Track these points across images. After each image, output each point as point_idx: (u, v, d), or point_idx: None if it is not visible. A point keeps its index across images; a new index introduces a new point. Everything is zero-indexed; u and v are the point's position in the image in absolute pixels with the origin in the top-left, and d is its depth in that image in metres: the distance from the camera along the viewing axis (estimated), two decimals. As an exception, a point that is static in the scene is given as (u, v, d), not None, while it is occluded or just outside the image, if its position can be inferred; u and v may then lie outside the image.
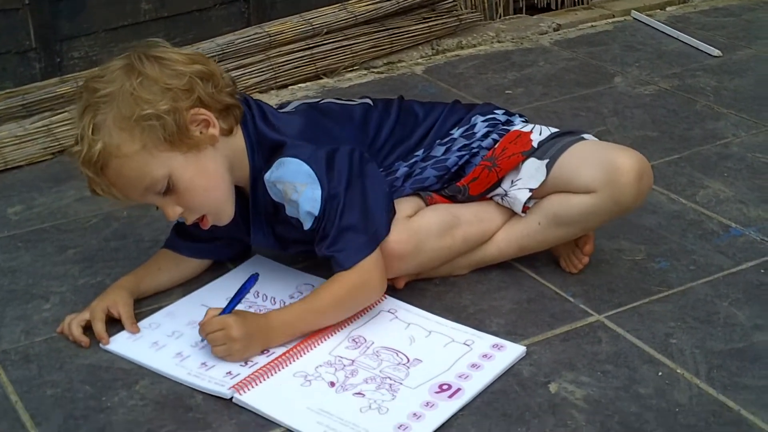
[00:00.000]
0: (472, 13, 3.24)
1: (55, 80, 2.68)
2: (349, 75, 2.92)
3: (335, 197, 1.65)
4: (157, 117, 1.59)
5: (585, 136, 1.83)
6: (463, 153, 1.82)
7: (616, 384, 1.58)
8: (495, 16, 3.45)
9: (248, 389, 1.56)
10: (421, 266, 1.79)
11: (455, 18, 3.14)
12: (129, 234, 2.08)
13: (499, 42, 3.17)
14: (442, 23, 3.12)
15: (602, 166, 1.72)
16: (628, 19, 3.34)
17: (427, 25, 3.08)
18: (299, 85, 2.86)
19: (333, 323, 1.70)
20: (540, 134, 1.82)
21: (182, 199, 1.65)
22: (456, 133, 1.84)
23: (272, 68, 2.82)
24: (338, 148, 1.69)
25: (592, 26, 3.30)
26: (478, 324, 1.73)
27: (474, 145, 1.83)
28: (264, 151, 1.71)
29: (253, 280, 1.74)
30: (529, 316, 1.76)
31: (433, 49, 3.09)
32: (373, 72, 2.94)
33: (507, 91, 2.77)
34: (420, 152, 1.83)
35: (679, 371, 1.60)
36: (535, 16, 3.41)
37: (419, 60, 3.03)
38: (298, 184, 1.65)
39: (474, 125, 1.85)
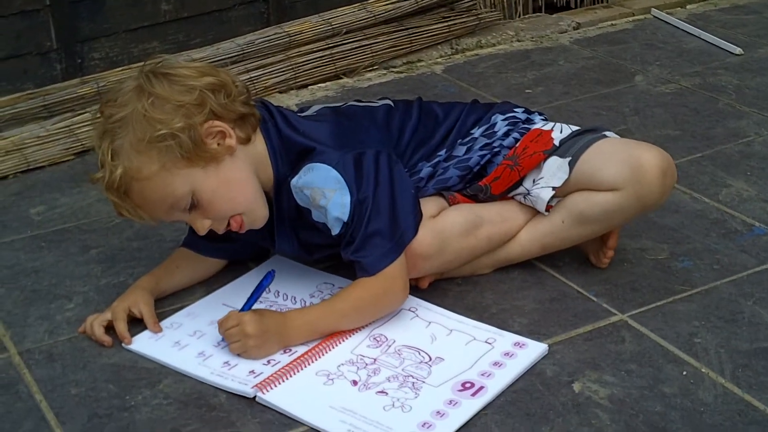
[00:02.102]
0: (492, 12, 3.24)
1: (76, 81, 2.70)
2: (368, 75, 2.92)
3: (363, 202, 1.65)
4: (172, 136, 1.59)
5: (607, 133, 1.83)
6: (484, 152, 1.81)
7: (641, 383, 1.57)
8: (514, 15, 3.44)
9: (271, 388, 1.56)
10: (445, 266, 1.79)
11: (474, 17, 3.14)
12: (151, 234, 2.09)
13: (518, 41, 3.16)
14: (462, 22, 3.11)
15: (626, 164, 1.72)
16: (648, 17, 3.33)
17: (446, 24, 3.08)
18: (319, 85, 2.86)
19: (353, 327, 1.70)
20: (561, 132, 1.82)
21: (208, 212, 1.66)
22: (476, 132, 1.84)
23: (292, 68, 2.82)
24: (365, 151, 1.69)
25: (612, 25, 3.28)
26: (501, 323, 1.73)
27: (495, 144, 1.82)
28: (290, 156, 1.71)
29: (269, 277, 1.72)
30: (551, 316, 1.75)
31: (452, 48, 3.08)
32: (392, 72, 2.94)
33: (527, 91, 2.77)
34: (442, 152, 1.82)
35: (703, 371, 1.60)
36: (554, 15, 3.40)
37: (439, 59, 3.03)
38: (327, 190, 1.65)
39: (494, 124, 1.84)
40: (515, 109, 1.89)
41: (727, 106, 2.59)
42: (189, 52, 2.78)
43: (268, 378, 1.58)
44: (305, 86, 2.84)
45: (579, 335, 1.69)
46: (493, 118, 1.86)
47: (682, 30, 3.17)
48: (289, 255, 1.87)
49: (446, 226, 1.75)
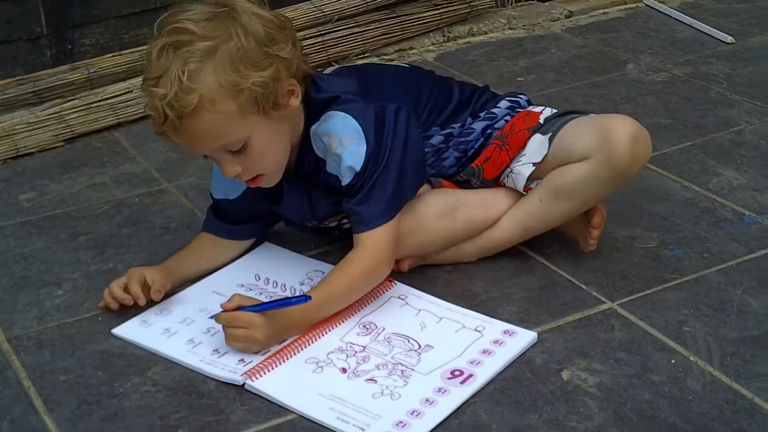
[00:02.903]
0: (484, 0, 3.23)
1: (66, 67, 2.68)
2: (360, 62, 2.91)
3: (378, 155, 1.65)
4: (263, 84, 1.57)
5: (591, 114, 1.83)
6: (483, 137, 1.83)
7: (629, 371, 1.57)
8: (506, 2, 3.42)
9: (260, 376, 1.56)
10: (421, 247, 1.79)
11: (467, 5, 3.13)
12: (140, 221, 2.08)
13: (510, 29, 3.15)
14: (454, 10, 3.10)
15: (596, 132, 1.72)
16: (641, 5, 3.32)
17: (438, 12, 3.07)
18: (310, 72, 2.85)
19: (348, 305, 1.70)
20: (550, 113, 1.83)
21: (249, 161, 1.64)
22: (482, 114, 1.85)
23: (283, 55, 2.81)
24: (387, 105, 1.68)
25: (604, 13, 3.28)
26: (491, 311, 1.73)
27: (496, 125, 1.84)
28: (315, 109, 1.70)
29: (303, 299, 1.63)
30: (541, 304, 1.75)
31: (444, 36, 3.07)
32: (384, 59, 2.93)
33: (519, 78, 2.76)
34: (456, 125, 1.83)
35: (692, 359, 1.60)
36: (546, 3, 3.39)
37: (430, 47, 3.02)
38: (344, 138, 1.65)
39: (498, 108, 1.86)
40: (520, 96, 1.91)
41: (719, 95, 2.59)
42: (180, 39, 2.77)
43: (257, 366, 1.58)
44: (296, 73, 2.83)
45: (568, 323, 1.70)
46: (500, 103, 1.87)
47: (674, 18, 3.17)
48: (293, 213, 1.84)
49: (421, 206, 1.75)
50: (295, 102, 1.64)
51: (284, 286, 1.81)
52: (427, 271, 1.83)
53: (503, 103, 1.87)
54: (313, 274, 1.83)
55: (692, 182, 2.15)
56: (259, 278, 1.82)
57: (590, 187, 1.74)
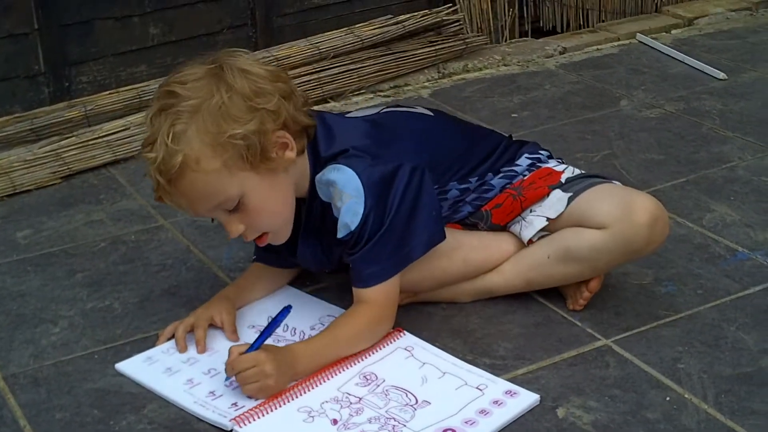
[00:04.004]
0: (478, 36, 3.26)
1: (63, 105, 2.70)
2: (355, 99, 2.93)
3: (379, 217, 1.64)
4: (244, 137, 1.57)
5: (615, 182, 1.84)
6: (499, 192, 1.83)
7: (624, 409, 1.58)
8: (501, 39, 3.47)
9: (248, 422, 1.55)
10: (415, 284, 1.79)
11: (461, 41, 3.16)
12: (137, 258, 2.09)
13: (505, 65, 3.18)
14: (449, 47, 3.13)
15: (619, 204, 1.72)
16: (634, 42, 3.36)
17: (433, 48, 3.10)
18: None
19: (353, 352, 1.69)
20: (572, 174, 1.83)
21: (249, 218, 1.64)
22: (503, 170, 1.84)
23: (279, 92, 2.83)
24: (402, 165, 1.67)
25: (598, 49, 3.31)
26: (486, 348, 1.73)
27: (514, 181, 1.83)
28: (323, 160, 1.69)
29: (286, 312, 1.68)
30: (536, 341, 1.76)
31: (439, 72, 3.10)
32: (379, 95, 2.95)
33: (513, 115, 2.78)
34: (473, 179, 1.81)
35: (686, 396, 1.60)
36: (540, 40, 3.43)
37: (426, 83, 3.04)
38: (344, 194, 1.65)
39: (519, 166, 1.85)
40: (541, 152, 1.89)
41: (711, 131, 2.61)
42: (177, 76, 2.79)
43: (246, 412, 1.56)
44: (293, 110, 2.85)
45: (563, 360, 1.70)
46: (520, 160, 1.85)
47: (667, 55, 3.19)
48: (309, 261, 1.82)
49: None
50: (290, 155, 1.63)
51: (294, 330, 1.79)
52: (422, 308, 1.84)
53: (524, 161, 1.85)
54: (325, 319, 1.81)
55: (686, 218, 2.16)
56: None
57: (602, 257, 1.74)
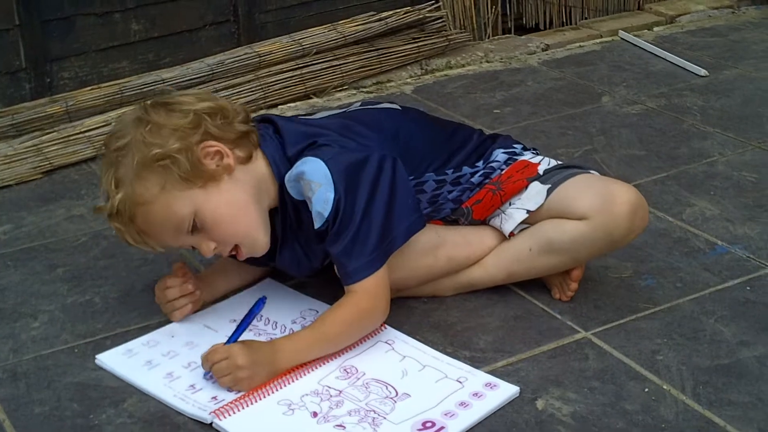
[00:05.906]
0: (461, 33, 3.27)
1: (44, 100, 2.70)
2: (338, 95, 2.93)
3: (351, 204, 1.64)
4: (169, 157, 1.61)
5: (592, 171, 1.84)
6: (477, 188, 1.84)
7: (603, 400, 1.58)
8: (484, 36, 3.48)
9: (228, 415, 1.55)
10: (400, 282, 1.79)
11: (444, 38, 3.16)
12: (118, 253, 2.08)
13: (487, 62, 3.19)
14: (431, 43, 3.14)
15: (599, 195, 1.73)
16: (616, 39, 3.37)
17: (416, 45, 3.10)
18: (288, 104, 2.87)
19: (341, 348, 1.69)
20: (548, 165, 1.84)
21: (212, 233, 1.66)
22: (480, 164, 1.85)
23: (262, 88, 2.84)
24: (371, 153, 1.68)
25: (580, 46, 3.32)
26: (466, 341, 1.74)
27: (492, 176, 1.84)
28: (293, 159, 1.70)
29: (261, 304, 1.70)
30: (516, 333, 1.76)
31: (422, 68, 3.11)
32: (362, 92, 2.96)
33: (495, 111, 2.79)
34: (450, 171, 1.82)
35: (665, 387, 1.61)
36: (523, 36, 3.44)
37: (408, 80, 3.05)
38: (313, 183, 1.65)
39: (494, 161, 1.85)
40: (514, 145, 1.90)
41: (692, 127, 2.62)
42: (158, 72, 2.79)
43: (226, 405, 1.56)
44: (275, 106, 2.86)
45: (543, 352, 1.71)
46: (494, 153, 1.86)
47: (649, 52, 3.21)
48: (290, 266, 1.82)
49: (404, 244, 1.74)
50: (228, 161, 1.66)
51: (275, 323, 1.79)
52: (404, 302, 1.84)
53: (500, 156, 1.86)
54: (306, 313, 1.82)
55: (666, 213, 2.17)
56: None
57: (583, 247, 1.75)
